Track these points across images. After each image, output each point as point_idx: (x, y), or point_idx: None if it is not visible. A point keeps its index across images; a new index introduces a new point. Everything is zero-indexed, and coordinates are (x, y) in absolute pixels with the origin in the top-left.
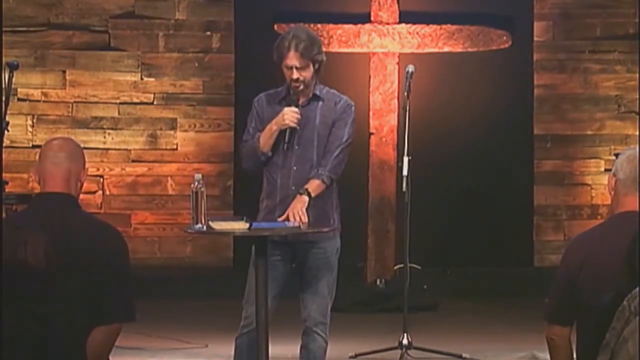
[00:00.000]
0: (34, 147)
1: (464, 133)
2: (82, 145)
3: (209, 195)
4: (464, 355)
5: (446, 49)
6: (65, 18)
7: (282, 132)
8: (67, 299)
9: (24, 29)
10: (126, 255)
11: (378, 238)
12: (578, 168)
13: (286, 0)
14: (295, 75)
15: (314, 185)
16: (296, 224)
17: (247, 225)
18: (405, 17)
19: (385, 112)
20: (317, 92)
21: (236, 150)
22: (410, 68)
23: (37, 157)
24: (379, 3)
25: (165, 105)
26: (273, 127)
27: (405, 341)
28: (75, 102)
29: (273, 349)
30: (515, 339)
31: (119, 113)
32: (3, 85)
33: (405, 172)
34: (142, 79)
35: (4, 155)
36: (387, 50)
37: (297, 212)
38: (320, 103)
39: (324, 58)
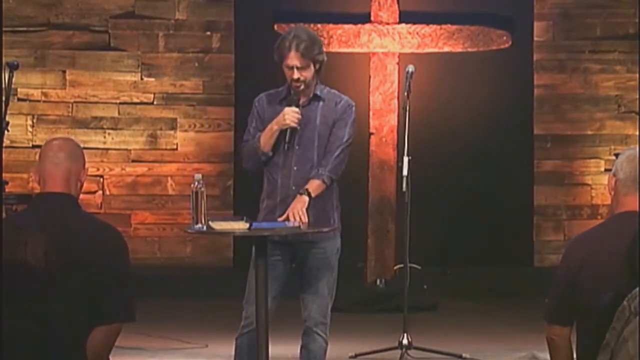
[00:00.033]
0: (34, 147)
1: (464, 133)
2: (82, 145)
3: (209, 195)
4: (464, 355)
5: (446, 49)
6: (65, 18)
7: (282, 132)
8: (67, 299)
9: (24, 29)
10: (126, 255)
11: (378, 238)
12: (578, 168)
13: (286, 0)
14: (296, 75)
15: (314, 186)
16: (296, 224)
17: (247, 225)
18: (405, 17)
19: (385, 112)
20: (318, 92)
21: (236, 150)
22: (410, 68)
23: (37, 157)
24: (379, 3)
25: (165, 105)
26: (274, 127)
27: (405, 341)
28: (75, 102)
29: (273, 349)
30: (515, 339)
31: (119, 113)
32: (3, 85)
33: (405, 172)
34: (142, 79)
35: (4, 155)
36: (387, 50)
37: (297, 212)
38: (321, 103)
39: (325, 58)
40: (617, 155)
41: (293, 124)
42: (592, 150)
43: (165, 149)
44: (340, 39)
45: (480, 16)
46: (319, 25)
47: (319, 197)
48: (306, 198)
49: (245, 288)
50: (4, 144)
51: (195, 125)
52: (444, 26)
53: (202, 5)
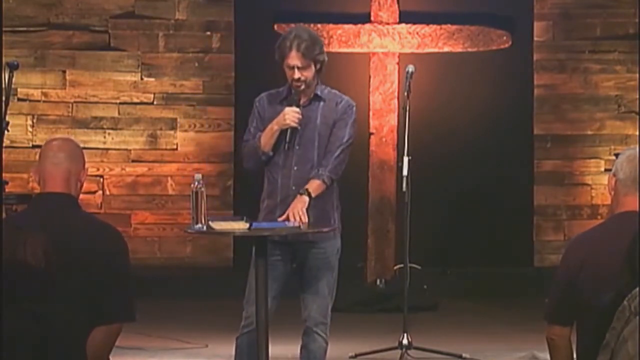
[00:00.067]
0: (34, 147)
1: (464, 133)
2: (82, 145)
3: (209, 195)
4: (464, 355)
5: (446, 49)
6: (65, 18)
7: (283, 132)
8: (67, 299)
9: (24, 29)
10: (126, 255)
11: (378, 238)
12: (578, 168)
13: (286, 0)
14: (297, 75)
15: (315, 186)
16: (296, 224)
17: (247, 225)
18: (405, 17)
19: (385, 112)
20: (319, 92)
21: (236, 150)
22: (410, 68)
23: (37, 157)
24: (379, 3)
25: (165, 105)
26: (274, 127)
27: (405, 341)
28: (75, 102)
29: (273, 349)
30: (515, 339)
31: (119, 113)
32: (3, 85)
33: (405, 172)
34: (142, 79)
35: (4, 155)
36: (387, 50)
37: (297, 212)
38: (322, 103)
39: (326, 58)
40: (617, 155)
41: (293, 124)
42: (592, 150)
43: (165, 149)
44: (340, 39)
45: (480, 16)
46: (319, 25)
47: (319, 197)
48: (306, 198)
49: (245, 288)
50: (4, 144)
51: (195, 125)
52: (444, 26)
53: (202, 5)
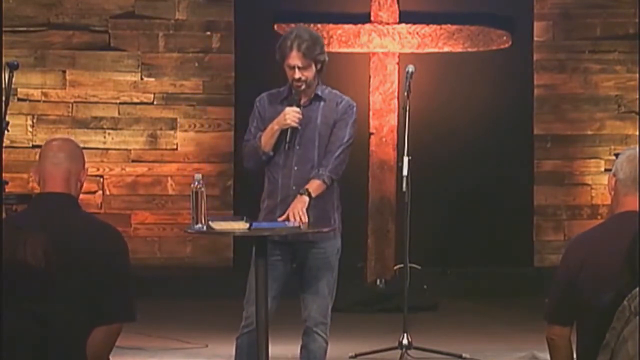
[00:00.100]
0: (34, 147)
1: (464, 133)
2: (82, 145)
3: (209, 195)
4: (464, 355)
5: (446, 49)
6: (65, 18)
7: (283, 132)
8: (67, 299)
9: (24, 29)
10: (126, 255)
11: (378, 238)
12: (578, 168)
13: (286, 0)
14: (298, 75)
15: (315, 186)
16: (296, 224)
17: (247, 225)
18: (405, 17)
19: (385, 112)
20: (319, 92)
21: (236, 150)
22: (410, 68)
23: (37, 157)
24: (379, 3)
25: (165, 105)
26: (274, 126)
27: (405, 341)
28: (75, 102)
29: (273, 349)
30: (515, 339)
31: (119, 113)
32: (3, 85)
33: (405, 172)
34: (142, 79)
35: (4, 155)
36: (387, 50)
37: (297, 212)
38: (322, 103)
39: (327, 58)
40: (617, 155)
41: (294, 124)
42: (592, 150)
43: (165, 149)
44: (340, 39)
45: (480, 16)
46: (319, 25)
47: (319, 197)
48: (306, 198)
49: (245, 288)
50: (4, 144)
51: (195, 125)
52: (444, 26)
53: (202, 5)
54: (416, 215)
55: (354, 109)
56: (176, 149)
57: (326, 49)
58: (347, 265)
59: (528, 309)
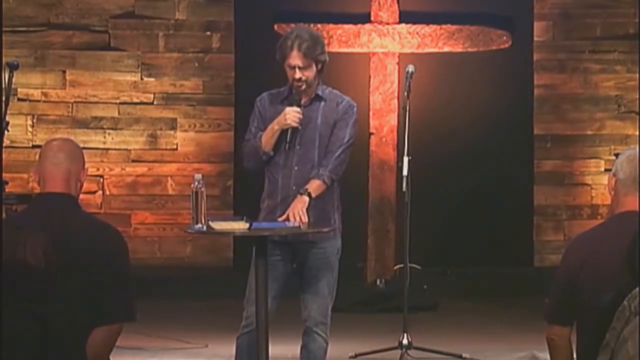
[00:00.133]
0: (34, 147)
1: (464, 133)
2: (82, 145)
3: (209, 195)
4: (464, 355)
5: (446, 49)
6: (65, 18)
7: (284, 132)
8: (67, 299)
9: (24, 29)
10: (126, 255)
11: (378, 238)
12: (578, 168)
13: (286, 0)
14: (298, 74)
15: (315, 186)
16: (296, 224)
17: (247, 225)
18: (405, 17)
19: (385, 112)
20: (320, 92)
21: (236, 150)
22: (410, 68)
23: (37, 157)
24: (379, 3)
25: (165, 105)
26: (275, 126)
27: (405, 341)
28: (75, 102)
29: (273, 349)
30: (515, 339)
31: (119, 113)
32: (3, 85)
33: (405, 172)
34: (142, 79)
35: (4, 155)
36: (387, 50)
37: (297, 212)
38: (323, 103)
39: (327, 58)
40: (617, 155)
41: (294, 124)
42: (592, 150)
43: (165, 149)
44: (340, 39)
45: (480, 16)
46: (319, 25)
47: (319, 197)
48: (306, 198)
49: (245, 288)
50: (4, 144)
51: (195, 125)
52: (444, 26)
53: (202, 5)
54: (416, 215)
55: (355, 109)
56: (176, 149)
57: (326, 49)
58: (347, 265)
59: (528, 309)
